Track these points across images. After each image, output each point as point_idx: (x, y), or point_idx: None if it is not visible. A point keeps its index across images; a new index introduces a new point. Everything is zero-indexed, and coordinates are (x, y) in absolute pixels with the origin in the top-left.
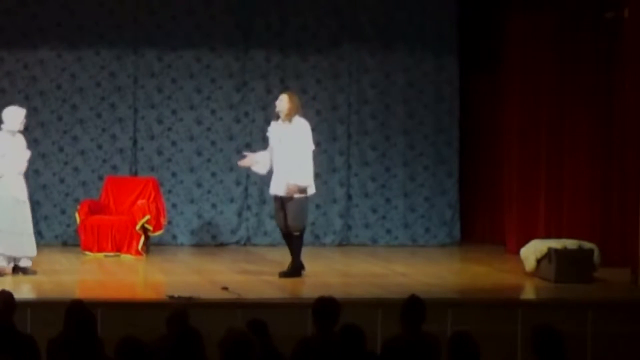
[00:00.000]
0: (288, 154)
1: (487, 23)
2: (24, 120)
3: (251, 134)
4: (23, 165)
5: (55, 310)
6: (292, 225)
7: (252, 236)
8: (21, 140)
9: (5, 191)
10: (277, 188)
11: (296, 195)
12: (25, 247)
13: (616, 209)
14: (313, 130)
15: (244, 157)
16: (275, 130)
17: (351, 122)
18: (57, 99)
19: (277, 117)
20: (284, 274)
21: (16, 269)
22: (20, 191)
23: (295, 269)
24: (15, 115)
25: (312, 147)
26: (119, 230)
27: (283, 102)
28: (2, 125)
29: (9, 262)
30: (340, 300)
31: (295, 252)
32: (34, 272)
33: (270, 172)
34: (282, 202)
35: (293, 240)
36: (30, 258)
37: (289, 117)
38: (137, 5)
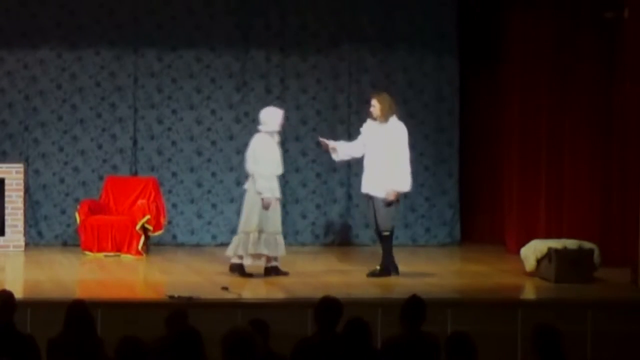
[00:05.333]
0: (384, 155)
1: (487, 23)
2: (283, 121)
3: (251, 134)
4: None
5: (55, 310)
6: (381, 225)
7: None
8: (270, 142)
9: (275, 193)
10: (369, 187)
11: (391, 199)
12: (280, 246)
13: (616, 209)
14: (313, 130)
15: (327, 143)
16: (370, 128)
17: (351, 122)
18: (57, 99)
19: (372, 118)
20: (371, 274)
21: (268, 270)
22: (278, 191)
23: (386, 269)
24: (275, 115)
25: (408, 151)
26: (119, 230)
27: (375, 107)
28: (260, 127)
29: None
30: (340, 300)
31: (386, 252)
32: (286, 273)
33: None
34: (373, 202)
35: (383, 241)
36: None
37: (384, 118)
38: (137, 5)
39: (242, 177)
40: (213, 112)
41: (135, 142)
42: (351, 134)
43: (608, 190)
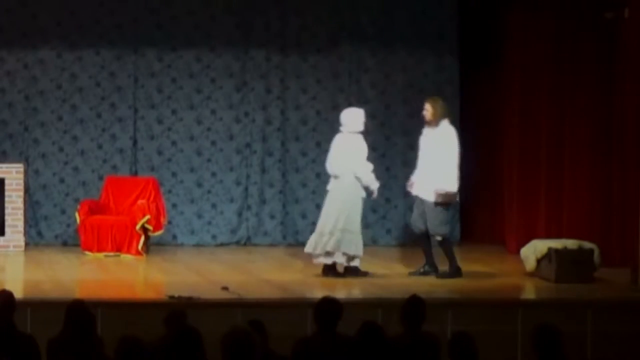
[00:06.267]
0: (433, 158)
1: (487, 23)
2: (364, 121)
3: (251, 134)
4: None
5: (55, 310)
6: (432, 230)
7: (252, 236)
8: (360, 141)
9: (361, 191)
10: (420, 189)
11: (440, 201)
12: (359, 245)
13: (616, 209)
14: (313, 130)
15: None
16: (424, 135)
17: None
18: (57, 99)
19: (427, 122)
20: (442, 275)
21: (346, 270)
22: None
23: (456, 269)
24: (355, 116)
25: (457, 153)
26: (119, 230)
27: (428, 112)
28: (342, 128)
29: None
30: (341, 300)
31: (450, 256)
32: (365, 274)
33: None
34: (423, 205)
35: (442, 246)
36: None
37: (435, 122)
38: (137, 5)
39: (242, 177)
40: (213, 112)
41: (135, 142)
42: None
43: (608, 190)
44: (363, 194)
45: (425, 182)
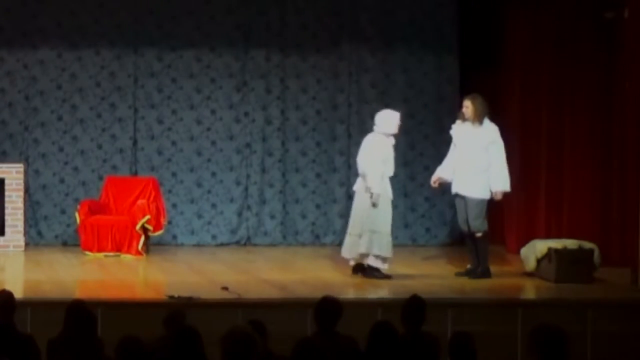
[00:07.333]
0: (480, 157)
1: (487, 23)
2: (399, 124)
3: (251, 134)
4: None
5: (55, 310)
6: (474, 226)
7: (252, 236)
8: (383, 142)
9: (386, 192)
10: (460, 187)
11: (478, 197)
12: (388, 247)
13: (616, 209)
14: (313, 130)
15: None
16: (462, 130)
17: (351, 122)
18: (57, 99)
19: (463, 119)
20: (475, 275)
21: (368, 270)
22: (390, 190)
23: (486, 270)
24: (390, 119)
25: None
26: (119, 230)
27: (468, 109)
28: (375, 127)
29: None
30: (341, 300)
31: (482, 255)
32: (387, 277)
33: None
34: (465, 202)
35: (478, 243)
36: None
37: (478, 120)
38: (137, 5)
39: (241, 177)
40: (213, 112)
41: (135, 142)
42: (351, 134)
43: (608, 190)
44: (390, 194)
45: (467, 179)
